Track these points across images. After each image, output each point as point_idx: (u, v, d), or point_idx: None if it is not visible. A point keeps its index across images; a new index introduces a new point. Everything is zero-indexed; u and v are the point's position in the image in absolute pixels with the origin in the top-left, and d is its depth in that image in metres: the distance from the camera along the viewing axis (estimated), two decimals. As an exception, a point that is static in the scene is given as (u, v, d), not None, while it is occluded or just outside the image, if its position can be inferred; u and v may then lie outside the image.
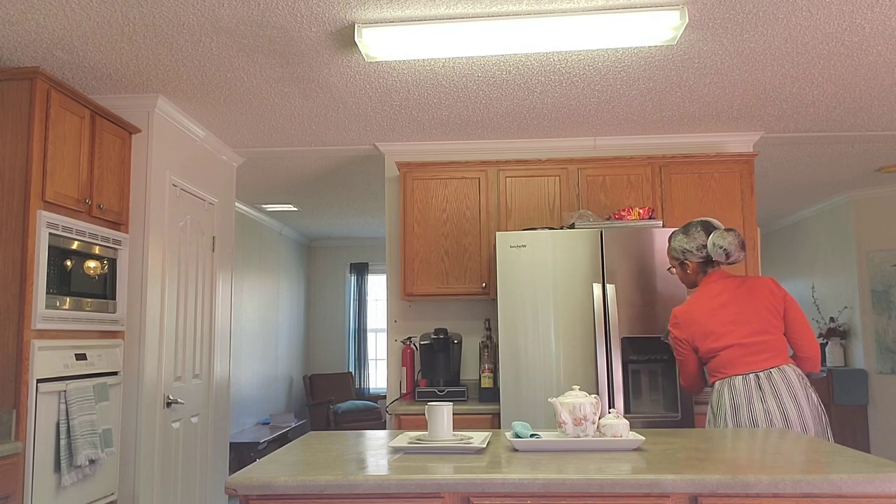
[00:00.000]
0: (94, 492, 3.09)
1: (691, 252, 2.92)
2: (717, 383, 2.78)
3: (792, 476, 1.68)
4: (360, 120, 4.05)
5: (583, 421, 2.11)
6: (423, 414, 3.65)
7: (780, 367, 2.69)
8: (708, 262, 2.93)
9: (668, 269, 3.10)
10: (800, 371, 2.72)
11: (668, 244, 3.09)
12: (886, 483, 1.67)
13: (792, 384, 2.65)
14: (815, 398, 2.68)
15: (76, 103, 3.08)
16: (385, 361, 4.68)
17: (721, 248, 2.82)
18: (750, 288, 2.83)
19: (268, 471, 1.83)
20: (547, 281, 3.54)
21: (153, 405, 3.52)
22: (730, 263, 2.87)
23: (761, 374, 2.68)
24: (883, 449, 6.12)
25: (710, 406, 2.82)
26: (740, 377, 2.70)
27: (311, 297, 9.27)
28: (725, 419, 2.69)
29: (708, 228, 2.92)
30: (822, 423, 2.66)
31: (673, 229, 3.37)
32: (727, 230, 2.85)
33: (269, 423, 7.36)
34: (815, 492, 1.67)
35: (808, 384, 2.70)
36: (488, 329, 4.23)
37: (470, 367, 4.41)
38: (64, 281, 2.93)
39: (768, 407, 2.61)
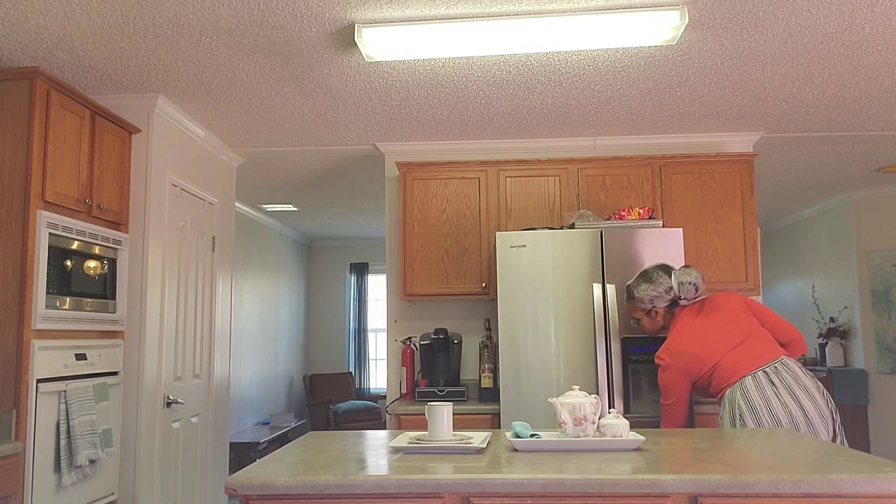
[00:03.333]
0: (94, 492, 3.10)
1: (660, 297, 2.99)
2: (726, 393, 2.77)
3: (792, 476, 1.68)
4: (360, 120, 4.05)
5: (583, 421, 2.11)
6: (423, 414, 3.65)
7: (781, 359, 2.75)
8: (673, 303, 3.02)
9: (633, 322, 3.16)
10: (800, 363, 2.79)
11: (629, 298, 3.07)
12: (886, 483, 1.67)
13: (799, 377, 2.69)
14: (825, 391, 2.72)
15: (76, 103, 3.08)
16: (385, 361, 4.68)
17: (690, 283, 2.94)
18: (712, 305, 2.95)
19: (268, 471, 1.83)
20: (547, 281, 3.54)
21: (153, 405, 3.52)
22: (696, 298, 2.97)
23: (767, 368, 2.72)
24: (883, 449, 6.12)
25: (722, 418, 2.80)
26: (749, 377, 2.72)
27: (311, 297, 9.26)
28: (743, 420, 2.67)
29: (667, 270, 3.02)
30: (836, 417, 2.69)
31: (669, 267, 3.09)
32: (685, 267, 2.98)
33: (269, 423, 7.36)
34: (815, 492, 1.67)
35: (813, 375, 2.74)
36: (488, 329, 4.22)
37: (470, 367, 4.41)
38: (64, 281, 2.93)
39: (785, 401, 2.64)
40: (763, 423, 2.63)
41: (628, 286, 3.09)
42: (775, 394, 2.65)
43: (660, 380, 2.87)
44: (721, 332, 2.83)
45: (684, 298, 2.96)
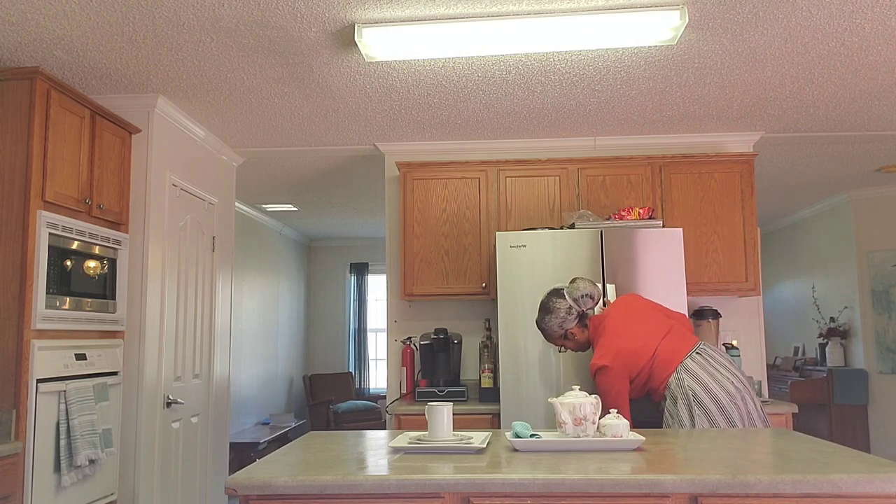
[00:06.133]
0: (94, 492, 3.10)
1: (566, 320, 3.04)
2: (671, 380, 2.83)
3: (792, 476, 1.68)
4: (360, 120, 4.05)
5: (583, 421, 2.11)
6: (423, 414, 3.65)
7: (701, 342, 2.91)
8: (581, 318, 3.07)
9: (560, 350, 3.30)
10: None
11: (544, 335, 3.11)
12: (886, 483, 1.67)
13: (722, 353, 2.89)
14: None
15: (76, 103, 3.08)
16: (385, 361, 4.68)
17: (583, 296, 3.00)
18: (626, 305, 3.04)
19: (268, 471, 1.83)
20: (547, 281, 3.54)
21: (153, 405, 3.52)
22: (596, 304, 3.05)
23: (700, 347, 2.86)
24: (883, 449, 6.13)
25: (667, 406, 2.82)
26: (687, 359, 2.83)
27: (311, 297, 9.26)
28: (698, 399, 2.72)
29: (559, 294, 3.06)
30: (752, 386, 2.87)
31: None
32: (571, 282, 3.05)
33: (269, 423, 7.35)
34: (815, 492, 1.67)
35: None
36: (488, 329, 4.22)
37: (470, 367, 4.41)
38: (64, 281, 2.93)
39: (725, 374, 2.78)
40: (716, 398, 2.72)
41: (537, 323, 3.13)
42: (715, 369, 2.79)
43: (599, 383, 2.89)
44: (646, 325, 2.93)
45: (587, 310, 3.04)
